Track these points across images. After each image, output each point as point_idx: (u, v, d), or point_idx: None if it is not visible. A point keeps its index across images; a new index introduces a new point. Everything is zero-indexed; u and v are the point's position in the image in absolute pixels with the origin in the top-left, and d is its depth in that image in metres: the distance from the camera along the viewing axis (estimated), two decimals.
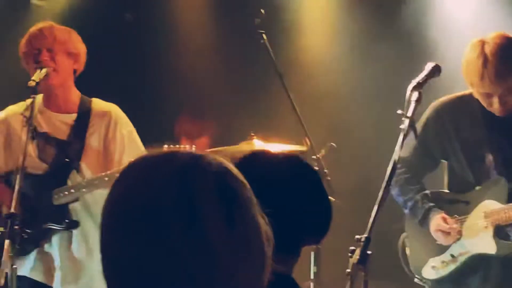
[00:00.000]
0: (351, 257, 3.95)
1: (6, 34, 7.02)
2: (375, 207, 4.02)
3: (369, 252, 3.92)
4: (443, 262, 4.75)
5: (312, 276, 5.79)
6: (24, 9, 7.47)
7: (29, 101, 4.71)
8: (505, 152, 4.71)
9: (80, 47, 4.92)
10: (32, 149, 4.77)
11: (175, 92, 7.30)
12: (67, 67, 4.86)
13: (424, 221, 4.77)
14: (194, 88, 7.20)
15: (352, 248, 3.96)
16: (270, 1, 6.77)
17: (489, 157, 4.73)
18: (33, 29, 4.92)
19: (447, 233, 4.69)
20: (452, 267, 4.73)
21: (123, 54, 7.34)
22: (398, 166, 4.07)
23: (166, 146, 4.76)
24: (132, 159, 1.62)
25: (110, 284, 1.53)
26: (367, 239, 3.94)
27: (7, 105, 5.08)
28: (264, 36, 5.64)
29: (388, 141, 4.61)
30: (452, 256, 4.72)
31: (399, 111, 4.14)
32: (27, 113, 4.55)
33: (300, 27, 7.28)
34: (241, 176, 1.59)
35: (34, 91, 4.58)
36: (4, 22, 7.32)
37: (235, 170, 1.59)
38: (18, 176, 4.38)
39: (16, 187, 4.35)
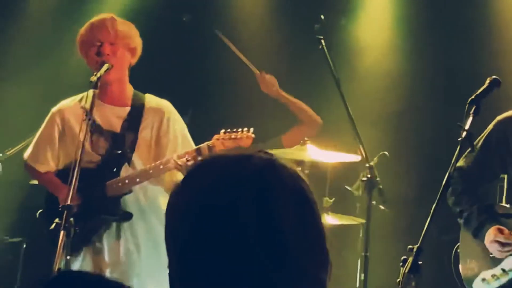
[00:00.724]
0: (402, 266, 3.95)
1: (65, 25, 7.11)
2: (429, 218, 4.01)
3: (420, 262, 3.92)
4: (493, 275, 4.70)
5: (357, 284, 5.80)
6: (83, 1, 7.54)
7: (85, 94, 4.76)
8: None
9: (138, 42, 4.97)
10: (87, 141, 4.79)
11: (230, 94, 7.33)
12: (125, 62, 4.91)
13: (478, 232, 4.72)
14: (251, 91, 7.22)
15: (404, 257, 3.96)
16: (331, 6, 6.77)
17: None
18: (95, 20, 4.95)
19: (503, 245, 4.64)
20: (501, 281, 4.68)
21: (179, 53, 7.38)
22: (456, 175, 4.07)
23: (223, 130, 4.79)
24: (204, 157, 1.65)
25: (182, 279, 1.55)
26: (419, 249, 3.93)
27: (68, 96, 5.14)
28: (323, 41, 5.64)
29: (444, 151, 4.60)
30: (503, 270, 4.68)
31: (459, 123, 4.13)
32: (87, 106, 4.59)
33: (357, 32, 7.27)
34: (306, 179, 1.63)
35: (95, 85, 4.63)
36: (63, 14, 7.39)
37: (302, 173, 1.63)
38: (75, 169, 4.42)
39: (73, 180, 4.40)
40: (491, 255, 4.69)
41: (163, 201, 4.94)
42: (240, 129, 4.78)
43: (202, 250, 1.52)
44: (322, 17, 5.76)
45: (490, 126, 4.81)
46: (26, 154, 5.12)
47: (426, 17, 7.11)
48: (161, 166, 4.74)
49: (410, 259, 3.89)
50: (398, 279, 3.93)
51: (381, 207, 5.98)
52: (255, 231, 1.51)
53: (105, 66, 4.73)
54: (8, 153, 6.67)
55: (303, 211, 1.56)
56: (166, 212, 1.62)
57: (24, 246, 6.92)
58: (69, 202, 4.34)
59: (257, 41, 7.39)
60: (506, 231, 4.64)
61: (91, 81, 4.64)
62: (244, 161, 1.59)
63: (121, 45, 4.85)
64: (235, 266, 1.50)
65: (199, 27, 7.52)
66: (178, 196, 1.61)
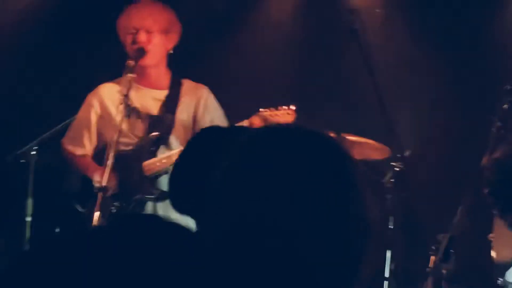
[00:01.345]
0: (433, 255, 3.99)
1: (104, 18, 7.17)
2: (460, 207, 4.05)
3: (452, 250, 3.95)
4: None
5: (387, 274, 5.81)
6: None
7: (122, 78, 4.82)
8: None
9: (176, 27, 5.00)
10: (124, 123, 4.86)
11: (260, 85, 7.33)
12: (162, 47, 4.96)
13: None
14: (282, 82, 7.23)
15: (434, 246, 3.99)
16: None
17: None
18: (132, 6, 5.00)
19: None
20: None
21: (213, 43, 7.40)
22: (491, 165, 4.07)
23: (262, 110, 4.81)
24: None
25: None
26: (452, 237, 3.97)
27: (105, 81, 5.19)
28: (358, 33, 5.66)
29: (476, 142, 4.62)
30: None
31: (490, 115, 4.16)
32: (124, 91, 4.66)
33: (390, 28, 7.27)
34: (350, 155, 1.66)
35: (131, 70, 4.70)
36: (98, 6, 7.45)
37: (349, 153, 1.66)
38: (111, 152, 4.49)
39: (109, 162, 4.47)
40: None
41: None
42: (279, 107, 4.80)
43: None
44: (357, 8, 5.78)
45: None
46: (64, 137, 5.20)
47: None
48: None
49: (441, 248, 3.94)
50: (428, 268, 3.98)
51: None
52: (339, 206, 1.55)
53: (141, 52, 4.78)
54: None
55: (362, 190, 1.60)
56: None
57: (57, 230, 6.98)
58: (104, 184, 4.42)
59: (286, 31, 7.40)
60: None
61: (127, 66, 4.71)
62: (314, 136, 1.62)
63: (157, 31, 4.89)
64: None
65: (233, 17, 7.52)
66: (242, 157, 1.61)
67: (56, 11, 7.40)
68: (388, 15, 7.13)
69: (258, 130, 1.70)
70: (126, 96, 4.65)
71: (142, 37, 4.89)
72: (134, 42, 4.90)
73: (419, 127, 6.84)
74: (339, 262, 1.55)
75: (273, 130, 1.64)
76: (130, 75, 4.70)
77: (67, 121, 6.25)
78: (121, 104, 4.65)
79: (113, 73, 5.23)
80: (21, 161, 6.82)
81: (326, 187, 1.55)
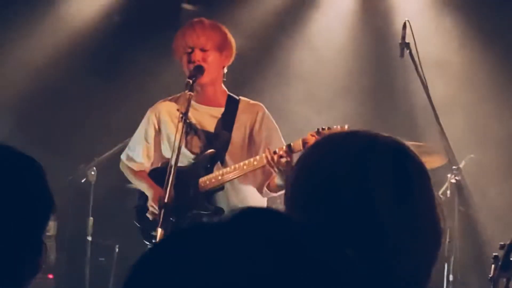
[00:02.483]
0: (493, 263, 3.97)
1: (158, 38, 7.26)
2: None
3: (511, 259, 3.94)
4: None
5: (445, 285, 5.79)
6: (175, 15, 7.67)
7: (181, 95, 4.89)
8: None
9: (231, 43, 5.03)
10: (183, 140, 4.87)
11: (311, 96, 7.36)
12: (217, 64, 4.98)
13: None
14: (327, 92, 7.25)
15: (495, 254, 3.98)
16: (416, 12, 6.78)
17: None
18: (187, 25, 5.05)
19: None
20: None
21: (266, 57, 7.45)
22: None
23: (318, 129, 4.80)
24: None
25: None
26: (510, 245, 3.95)
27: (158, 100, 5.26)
28: (411, 46, 5.67)
29: None
30: None
31: None
32: (183, 109, 4.72)
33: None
34: (419, 160, 1.65)
35: (190, 88, 4.75)
36: (155, 26, 7.53)
37: (414, 154, 1.65)
38: (172, 169, 4.55)
39: (170, 179, 4.53)
40: None
41: (252, 201, 5.02)
42: (334, 126, 4.82)
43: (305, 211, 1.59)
44: (407, 21, 5.79)
45: None
46: (123, 153, 5.27)
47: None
48: (255, 162, 4.80)
49: (501, 256, 3.92)
50: (490, 276, 3.96)
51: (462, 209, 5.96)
52: (352, 202, 1.56)
53: (198, 70, 4.84)
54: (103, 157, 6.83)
55: (402, 187, 1.60)
56: (296, 169, 1.68)
57: (117, 249, 7.06)
58: (166, 200, 4.48)
59: (336, 44, 7.41)
60: None
61: (186, 84, 4.77)
62: (350, 137, 1.66)
63: (212, 48, 4.93)
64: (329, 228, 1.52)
65: (283, 29, 7.55)
66: (298, 161, 1.68)
67: (116, 31, 7.52)
68: (440, 26, 7.14)
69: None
70: (185, 113, 4.70)
71: (198, 55, 4.91)
72: (190, 61, 4.94)
73: (474, 138, 6.82)
74: (417, 266, 1.59)
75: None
76: (188, 92, 4.75)
77: (125, 141, 6.34)
78: (180, 121, 4.70)
79: (171, 91, 5.30)
80: (82, 181, 6.94)
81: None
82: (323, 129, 4.79)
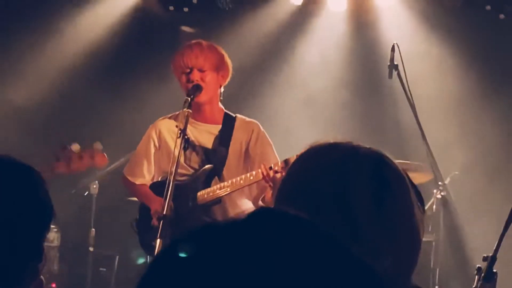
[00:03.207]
0: (477, 274, 3.96)
1: (159, 58, 7.27)
2: (502, 230, 4.03)
3: (495, 270, 3.93)
4: None
5: None
6: (176, 35, 7.68)
7: (180, 112, 4.90)
8: None
9: (227, 64, 5.06)
10: (181, 156, 4.89)
11: (306, 118, 7.36)
12: (214, 84, 5.01)
13: None
14: (321, 110, 7.26)
15: (479, 266, 3.97)
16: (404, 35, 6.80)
17: None
18: (185, 46, 5.08)
19: None
20: None
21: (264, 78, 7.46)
22: None
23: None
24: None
25: None
26: (493, 258, 3.95)
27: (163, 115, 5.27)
28: (399, 67, 5.69)
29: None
30: None
31: None
32: (181, 125, 4.73)
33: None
34: (398, 168, 1.66)
35: (188, 105, 4.77)
36: (156, 47, 7.55)
37: (392, 162, 1.67)
38: (171, 183, 4.56)
39: (169, 193, 4.53)
40: None
41: (237, 212, 5.04)
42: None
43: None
44: (396, 44, 5.80)
45: None
46: (124, 168, 5.28)
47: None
48: (251, 177, 4.82)
49: (484, 268, 3.92)
50: (473, 286, 3.95)
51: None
52: (331, 206, 1.58)
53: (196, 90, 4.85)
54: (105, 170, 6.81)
55: (380, 193, 1.61)
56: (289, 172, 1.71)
57: (117, 259, 7.05)
58: (165, 213, 4.48)
59: (329, 67, 7.43)
60: None
61: (185, 102, 4.79)
62: (332, 147, 1.67)
63: (210, 69, 4.96)
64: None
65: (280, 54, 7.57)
66: (287, 170, 1.72)
67: (120, 51, 7.53)
68: (427, 48, 7.16)
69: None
70: (183, 130, 4.71)
71: (196, 75, 4.94)
72: (188, 80, 4.97)
73: (459, 155, 6.82)
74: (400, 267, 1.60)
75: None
76: (186, 110, 4.77)
77: (125, 156, 6.32)
78: (178, 137, 4.71)
79: (170, 109, 5.31)
80: (84, 194, 6.94)
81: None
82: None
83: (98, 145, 4.90)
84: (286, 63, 7.48)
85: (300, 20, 7.30)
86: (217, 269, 0.91)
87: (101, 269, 7.09)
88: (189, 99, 4.80)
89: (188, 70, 4.97)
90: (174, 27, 7.67)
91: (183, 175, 5.00)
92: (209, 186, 4.98)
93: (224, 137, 5.05)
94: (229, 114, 5.11)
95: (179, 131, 4.72)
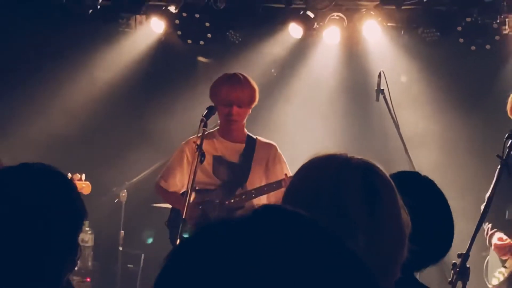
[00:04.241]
0: (452, 269, 3.96)
1: (179, 83, 7.31)
2: (474, 232, 4.03)
3: (468, 266, 3.92)
4: (499, 272, 4.84)
5: None
6: (193, 65, 7.71)
7: (209, 133, 4.99)
8: None
9: (257, 95, 5.09)
10: (209, 168, 5.02)
11: (306, 133, 7.35)
12: (246, 114, 5.07)
13: (490, 241, 4.88)
14: (319, 130, 7.25)
15: (454, 262, 3.97)
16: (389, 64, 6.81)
17: None
18: (228, 82, 5.05)
19: (501, 248, 4.80)
20: (505, 275, 4.81)
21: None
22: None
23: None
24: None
25: None
26: (466, 255, 3.94)
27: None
28: (385, 91, 5.70)
29: (486, 177, 4.62)
30: (505, 267, 4.81)
31: (497, 155, 4.16)
32: (198, 141, 4.76)
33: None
34: (386, 176, 1.67)
35: (205, 125, 4.80)
36: (176, 74, 7.57)
37: (381, 171, 1.67)
38: (189, 191, 4.59)
39: (187, 199, 4.56)
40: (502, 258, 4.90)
41: None
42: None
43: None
44: (382, 71, 5.82)
45: None
46: (158, 177, 5.28)
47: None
48: (274, 185, 4.94)
49: (459, 263, 3.91)
50: (449, 280, 3.94)
51: None
52: (329, 210, 1.57)
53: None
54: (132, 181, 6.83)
55: (371, 199, 1.61)
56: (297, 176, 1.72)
57: (143, 257, 7.05)
58: (184, 216, 4.50)
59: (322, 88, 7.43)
60: (505, 239, 4.81)
61: (201, 121, 4.80)
62: (330, 159, 1.68)
63: (246, 104, 5.01)
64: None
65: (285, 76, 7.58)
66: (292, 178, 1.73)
67: (146, 77, 7.57)
68: (408, 73, 7.19)
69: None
70: (200, 145, 4.75)
71: (235, 111, 4.99)
72: (229, 113, 5.00)
73: (436, 165, 6.82)
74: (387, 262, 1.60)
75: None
76: (204, 129, 4.83)
77: (150, 169, 6.35)
78: (196, 152, 4.74)
79: (188, 129, 5.34)
80: (115, 201, 6.95)
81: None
82: None
83: (77, 176, 5.26)
84: (289, 86, 7.50)
85: (300, 50, 7.31)
86: (227, 258, 0.91)
87: (129, 265, 7.08)
88: (204, 119, 4.82)
89: (229, 105, 4.99)
90: (192, 57, 7.70)
91: (213, 184, 5.05)
92: (234, 195, 5.03)
93: (248, 155, 5.12)
94: (251, 136, 5.17)
95: (196, 146, 4.74)
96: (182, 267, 0.94)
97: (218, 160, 5.09)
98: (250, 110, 5.10)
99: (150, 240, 5.18)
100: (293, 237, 0.94)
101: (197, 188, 4.92)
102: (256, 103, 5.10)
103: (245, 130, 5.18)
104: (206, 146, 4.88)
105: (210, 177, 5.03)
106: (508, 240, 4.85)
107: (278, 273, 0.90)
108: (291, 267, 0.91)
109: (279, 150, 5.18)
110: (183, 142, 5.23)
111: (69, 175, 5.04)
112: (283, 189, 4.85)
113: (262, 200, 5.05)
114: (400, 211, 1.64)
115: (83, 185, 5.30)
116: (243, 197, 4.98)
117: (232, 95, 4.97)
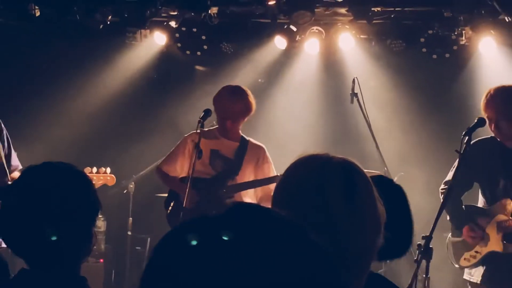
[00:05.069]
0: (417, 249, 3.98)
1: (180, 89, 7.30)
2: (436, 216, 4.06)
3: (431, 246, 3.95)
4: (471, 255, 4.78)
5: (383, 266, 5.77)
6: (191, 73, 7.70)
7: (208, 131, 5.08)
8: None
9: (251, 106, 5.08)
10: (206, 159, 5.04)
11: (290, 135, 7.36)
12: (240, 124, 5.12)
13: (460, 229, 4.83)
14: (302, 130, 7.26)
15: (419, 243, 3.99)
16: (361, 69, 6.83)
17: (502, 182, 4.71)
18: (222, 96, 5.07)
19: (471, 238, 4.74)
20: (477, 259, 4.76)
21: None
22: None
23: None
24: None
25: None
26: (429, 237, 3.98)
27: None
28: (358, 95, 5.72)
29: (444, 173, 4.66)
30: (476, 252, 4.76)
31: (456, 150, 4.19)
32: (196, 139, 4.79)
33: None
34: (363, 172, 1.66)
35: (202, 125, 4.82)
36: (176, 80, 7.57)
37: (359, 168, 1.66)
38: (189, 181, 4.63)
39: (187, 190, 4.58)
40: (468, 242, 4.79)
41: None
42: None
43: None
44: (356, 78, 5.84)
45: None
46: (161, 162, 5.30)
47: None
48: (266, 181, 5.03)
49: (423, 244, 3.94)
50: (415, 259, 3.97)
51: None
52: (311, 202, 1.57)
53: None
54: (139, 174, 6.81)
55: (350, 192, 1.59)
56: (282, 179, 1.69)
57: (149, 240, 7.04)
58: (184, 205, 4.52)
59: (302, 93, 7.43)
60: (474, 229, 4.74)
61: (198, 122, 4.83)
62: (313, 158, 1.66)
63: (240, 118, 5.06)
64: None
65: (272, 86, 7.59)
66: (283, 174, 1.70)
67: (151, 83, 7.55)
68: (378, 79, 7.20)
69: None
70: (197, 143, 4.77)
71: (229, 124, 5.05)
72: (223, 124, 5.07)
73: (403, 159, 6.85)
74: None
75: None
76: (201, 128, 4.86)
77: (155, 163, 6.32)
78: (194, 149, 4.78)
79: (185, 128, 5.36)
80: (124, 192, 6.95)
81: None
82: None
83: (102, 170, 5.24)
84: (276, 90, 7.52)
85: (285, 59, 7.32)
86: (204, 249, 0.92)
87: (137, 248, 7.08)
88: (201, 120, 4.85)
89: (223, 117, 5.02)
90: (191, 66, 7.70)
91: (209, 174, 5.06)
92: (226, 185, 5.03)
93: (241, 153, 5.14)
94: (244, 137, 5.17)
95: (194, 143, 4.77)
96: (164, 259, 0.94)
97: (215, 153, 5.10)
98: (248, 117, 5.13)
99: None
100: (260, 229, 0.95)
101: (194, 176, 4.90)
102: (252, 112, 5.11)
103: (240, 131, 5.20)
104: (206, 140, 4.94)
105: (206, 167, 5.03)
106: (477, 230, 4.74)
107: (248, 261, 0.90)
108: (259, 256, 0.92)
109: (267, 152, 5.20)
110: (186, 135, 5.24)
111: (95, 168, 5.08)
112: (271, 185, 4.91)
113: (249, 193, 5.08)
114: (376, 202, 1.64)
115: (108, 178, 5.27)
116: (235, 188, 4.99)
117: (227, 109, 5.02)
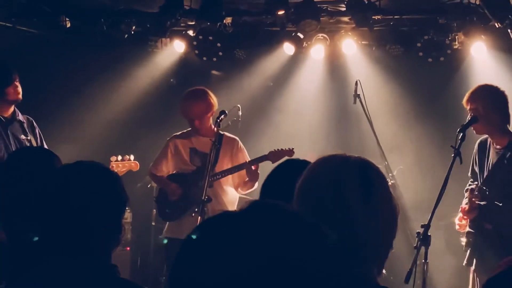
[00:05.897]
0: (417, 237, 3.95)
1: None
2: (433, 207, 4.02)
3: (429, 234, 3.92)
4: (462, 242, 4.72)
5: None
6: (207, 77, 7.69)
7: (186, 132, 5.28)
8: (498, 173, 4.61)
9: (213, 104, 5.18)
10: (186, 157, 5.22)
11: (295, 132, 7.33)
12: (207, 119, 5.20)
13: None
14: (308, 128, 7.23)
15: (418, 231, 3.96)
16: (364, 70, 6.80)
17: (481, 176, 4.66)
18: (185, 98, 5.24)
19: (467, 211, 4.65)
20: (463, 245, 4.70)
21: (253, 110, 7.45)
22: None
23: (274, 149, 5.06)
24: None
25: None
26: (428, 225, 3.94)
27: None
28: (360, 96, 5.69)
29: (444, 164, 4.61)
30: (466, 239, 4.69)
31: (451, 145, 4.15)
32: (177, 143, 5.11)
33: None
34: (378, 169, 1.64)
35: (219, 125, 4.98)
36: (194, 84, 7.52)
37: (375, 166, 1.64)
38: (207, 176, 4.71)
39: (206, 181, 4.78)
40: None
41: (230, 195, 5.26)
42: (286, 148, 5.01)
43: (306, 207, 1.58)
44: (358, 80, 5.81)
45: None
46: (151, 165, 5.45)
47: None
48: (237, 168, 5.15)
49: (422, 232, 3.91)
50: (414, 245, 3.94)
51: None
52: (331, 200, 1.55)
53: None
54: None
55: (367, 190, 1.57)
56: (303, 179, 1.65)
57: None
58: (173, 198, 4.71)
59: (308, 92, 7.40)
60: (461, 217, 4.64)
61: (215, 121, 4.87)
62: (331, 158, 1.64)
63: (203, 115, 5.13)
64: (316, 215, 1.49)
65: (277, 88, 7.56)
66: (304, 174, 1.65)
67: (170, 88, 7.54)
68: (378, 80, 7.16)
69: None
70: (214, 142, 4.86)
71: (197, 124, 5.14)
72: (193, 126, 5.19)
73: (402, 155, 6.81)
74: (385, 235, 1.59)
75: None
76: (218, 128, 4.89)
77: None
78: (213, 144, 4.85)
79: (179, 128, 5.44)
80: (148, 186, 6.95)
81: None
82: (278, 149, 5.05)
83: (127, 157, 5.44)
84: (285, 93, 7.51)
85: (293, 64, 7.30)
86: (223, 246, 0.91)
87: (159, 237, 7.08)
88: (218, 120, 4.88)
89: (191, 119, 5.13)
90: (207, 71, 7.69)
91: (190, 169, 5.24)
92: (206, 178, 5.02)
93: (217, 146, 5.11)
94: (220, 132, 5.15)
95: (175, 146, 5.18)
96: (192, 254, 0.93)
97: (193, 151, 5.24)
98: (212, 114, 5.18)
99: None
100: (277, 224, 0.94)
101: (177, 172, 5.13)
102: (214, 108, 5.14)
103: (213, 126, 5.20)
104: (184, 141, 5.17)
105: (187, 164, 5.21)
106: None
107: (268, 251, 0.90)
108: (276, 248, 0.91)
109: (240, 143, 5.31)
110: (167, 139, 5.35)
111: (120, 157, 5.23)
112: (244, 171, 5.10)
113: (228, 180, 5.22)
114: (391, 197, 1.61)
115: (132, 164, 5.46)
116: (213, 178, 5.08)
117: (188, 111, 5.17)
